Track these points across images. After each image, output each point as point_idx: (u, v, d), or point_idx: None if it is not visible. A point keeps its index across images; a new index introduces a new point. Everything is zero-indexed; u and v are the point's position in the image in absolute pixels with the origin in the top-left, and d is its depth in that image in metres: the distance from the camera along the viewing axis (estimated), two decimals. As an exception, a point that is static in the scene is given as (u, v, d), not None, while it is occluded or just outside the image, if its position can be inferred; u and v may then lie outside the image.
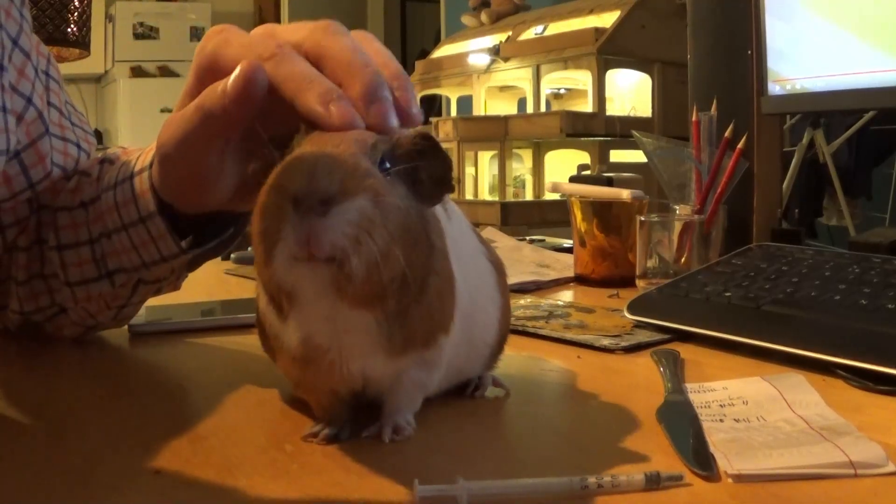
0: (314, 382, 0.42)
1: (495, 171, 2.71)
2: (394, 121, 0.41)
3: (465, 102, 3.19)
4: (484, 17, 3.15)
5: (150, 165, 0.53)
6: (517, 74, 2.81)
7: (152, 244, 0.54)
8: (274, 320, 0.40)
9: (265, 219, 0.36)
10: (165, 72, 5.18)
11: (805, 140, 2.73)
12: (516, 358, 0.58)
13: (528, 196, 2.72)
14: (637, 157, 1.91)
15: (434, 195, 0.40)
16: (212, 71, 0.45)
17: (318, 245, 0.35)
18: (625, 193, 0.92)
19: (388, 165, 0.39)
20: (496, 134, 2.63)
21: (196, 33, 5.26)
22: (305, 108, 0.40)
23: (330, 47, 0.43)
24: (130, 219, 0.54)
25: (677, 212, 0.91)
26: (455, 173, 0.42)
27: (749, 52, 0.98)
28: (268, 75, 0.42)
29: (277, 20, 5.55)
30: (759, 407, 0.46)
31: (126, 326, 0.67)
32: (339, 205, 0.35)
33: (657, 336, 0.65)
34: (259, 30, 0.46)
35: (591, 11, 2.67)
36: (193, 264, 0.60)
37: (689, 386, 0.50)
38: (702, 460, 0.38)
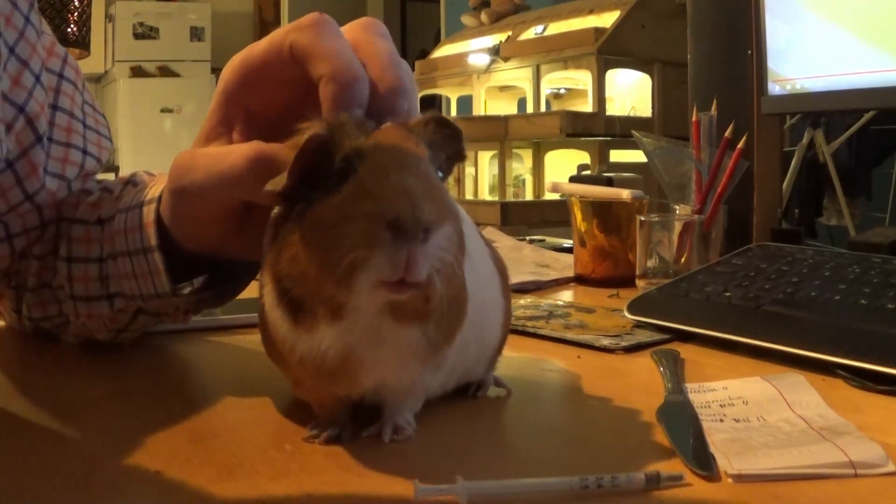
0: (329, 389, 0.41)
1: (495, 171, 2.72)
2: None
3: (465, 102, 3.19)
4: (484, 16, 3.15)
5: (160, 198, 0.51)
6: (517, 74, 2.81)
7: (149, 277, 0.52)
8: (284, 325, 0.39)
9: (350, 244, 0.35)
10: (165, 72, 5.19)
11: (805, 140, 2.73)
12: (516, 358, 0.58)
13: (528, 196, 2.72)
14: (637, 157, 1.91)
15: (448, 168, 0.42)
16: (244, 81, 0.45)
17: (416, 271, 0.35)
18: (625, 193, 0.92)
19: (440, 174, 0.40)
20: (496, 134, 2.64)
21: (196, 33, 5.26)
22: (329, 82, 0.41)
23: (370, 44, 0.43)
24: (134, 246, 0.53)
25: (677, 212, 0.91)
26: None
27: (749, 52, 0.98)
28: (302, 41, 0.42)
29: (277, 20, 5.55)
30: (759, 407, 0.46)
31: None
32: (436, 232, 0.36)
33: (657, 336, 0.64)
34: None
35: (591, 11, 2.68)
36: (194, 309, 0.59)
37: (689, 386, 0.50)
38: (702, 460, 0.38)
